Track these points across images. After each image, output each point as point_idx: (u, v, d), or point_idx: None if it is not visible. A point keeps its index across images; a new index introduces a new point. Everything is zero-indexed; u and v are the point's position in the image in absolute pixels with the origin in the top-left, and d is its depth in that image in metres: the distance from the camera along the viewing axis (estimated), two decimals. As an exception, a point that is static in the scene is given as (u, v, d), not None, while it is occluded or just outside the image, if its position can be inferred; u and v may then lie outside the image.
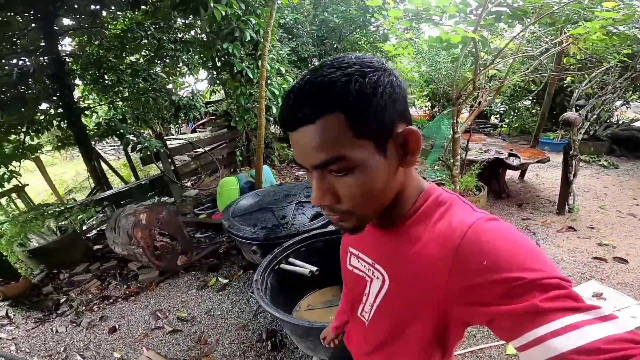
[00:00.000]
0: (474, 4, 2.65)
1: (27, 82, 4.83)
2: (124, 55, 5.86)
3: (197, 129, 9.91)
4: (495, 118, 8.29)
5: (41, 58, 5.02)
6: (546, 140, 6.54)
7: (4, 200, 5.01)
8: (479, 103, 3.38)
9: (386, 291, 0.64)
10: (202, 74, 7.17)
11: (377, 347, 0.70)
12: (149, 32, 5.27)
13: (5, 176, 3.88)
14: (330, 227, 2.58)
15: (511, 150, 4.49)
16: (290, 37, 7.68)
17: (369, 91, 0.48)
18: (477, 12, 2.63)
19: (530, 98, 7.07)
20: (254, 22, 3.91)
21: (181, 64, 6.19)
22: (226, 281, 3.34)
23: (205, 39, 6.03)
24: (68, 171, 6.61)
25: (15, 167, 4.54)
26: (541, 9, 2.48)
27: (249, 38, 3.90)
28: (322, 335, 1.19)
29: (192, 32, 6.21)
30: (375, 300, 0.67)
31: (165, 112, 5.64)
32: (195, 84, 8.04)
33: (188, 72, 6.80)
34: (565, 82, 5.70)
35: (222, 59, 4.45)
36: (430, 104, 8.34)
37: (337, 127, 0.48)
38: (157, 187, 5.04)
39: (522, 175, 5.24)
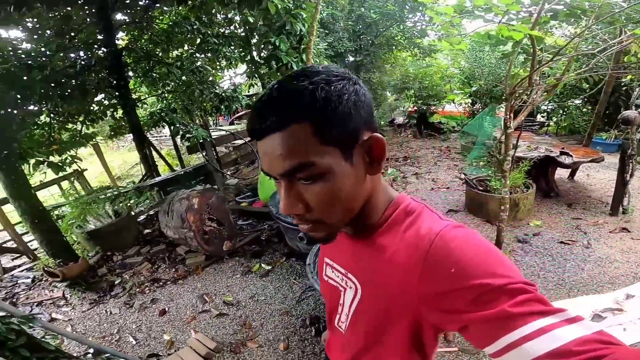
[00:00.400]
0: (526, 2, 2.58)
1: (87, 74, 5.14)
2: (169, 49, 6.12)
3: (235, 122, 10.18)
4: (542, 116, 7.94)
5: (98, 51, 5.34)
6: (598, 140, 6.18)
7: (65, 184, 5.39)
8: (527, 101, 3.27)
9: (359, 300, 0.65)
10: (240, 67, 7.39)
11: (355, 356, 0.71)
12: (194, 27, 5.46)
13: (67, 160, 4.19)
14: None
15: (562, 148, 4.29)
16: (326, 32, 7.72)
17: (335, 99, 0.49)
18: (532, 9, 2.56)
19: (582, 97, 6.71)
20: (304, 15, 3.96)
21: (222, 58, 6.38)
22: (269, 267, 3.42)
23: (243, 34, 6.24)
24: (115, 160, 7.05)
25: (75, 152, 4.87)
26: (600, 8, 2.36)
27: (298, 31, 3.96)
28: (324, 337, 1.17)
29: (232, 27, 6.41)
30: (350, 309, 0.68)
31: (210, 103, 5.84)
32: (235, 77, 8.25)
33: (228, 65, 7.00)
34: (623, 81, 5.36)
35: (268, 52, 4.53)
36: (470, 101, 8.10)
37: (303, 134, 0.48)
38: (200, 175, 5.26)
39: (572, 174, 4.99)
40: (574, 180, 4.94)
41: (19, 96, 3.95)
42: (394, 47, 9.51)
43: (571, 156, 4.11)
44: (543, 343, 0.39)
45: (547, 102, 7.29)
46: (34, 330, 2.11)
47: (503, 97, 6.88)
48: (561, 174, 4.97)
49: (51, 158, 4.18)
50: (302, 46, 4.52)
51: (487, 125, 5.73)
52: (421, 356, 0.62)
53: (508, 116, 3.04)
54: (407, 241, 0.56)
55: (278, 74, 4.85)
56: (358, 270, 0.66)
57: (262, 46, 4.78)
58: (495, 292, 0.44)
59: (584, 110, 7.13)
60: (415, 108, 9.37)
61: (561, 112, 7.38)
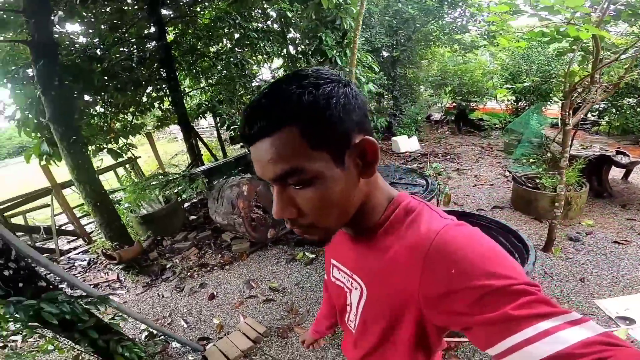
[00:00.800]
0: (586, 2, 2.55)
1: (140, 67, 5.40)
2: (210, 43, 6.32)
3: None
4: (593, 115, 7.53)
5: (150, 45, 5.60)
6: (655, 141, 5.80)
7: (120, 171, 5.72)
8: (585, 99, 3.17)
9: (365, 300, 0.65)
10: (276, 62, 7.54)
11: (367, 354, 0.71)
12: (236, 21, 5.60)
13: (123, 148, 4.45)
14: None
15: (618, 147, 4.10)
16: (363, 27, 7.69)
17: (322, 103, 0.48)
18: (593, 8, 2.51)
19: (637, 96, 6.30)
20: (354, 10, 4.00)
21: (260, 53, 6.51)
22: (313, 256, 3.48)
23: (279, 29, 6.37)
24: (158, 149, 7.43)
25: (131, 141, 5.17)
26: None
27: (346, 26, 4.01)
28: (301, 339, 1.20)
29: (268, 22, 6.56)
30: (358, 309, 0.69)
31: (251, 96, 6.00)
32: (272, 71, 8.39)
33: (265, 60, 7.13)
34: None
35: (313, 46, 4.60)
36: (514, 98, 7.82)
37: (291, 139, 0.48)
38: (240, 165, 5.40)
39: (626, 175, 4.77)
40: (628, 181, 4.71)
41: (81, 86, 4.23)
42: (432, 43, 9.34)
43: (628, 156, 3.96)
44: (546, 346, 0.39)
45: (600, 100, 6.93)
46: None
47: (553, 95, 6.63)
48: (614, 174, 4.75)
49: (109, 146, 4.44)
50: (345, 41, 4.56)
51: (533, 123, 5.53)
52: (427, 354, 0.63)
53: (567, 113, 2.99)
54: (407, 241, 0.55)
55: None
56: (362, 271, 0.66)
57: (308, 41, 4.84)
58: (497, 294, 0.43)
59: (639, 109, 6.71)
60: (454, 104, 9.14)
61: (614, 111, 6.98)
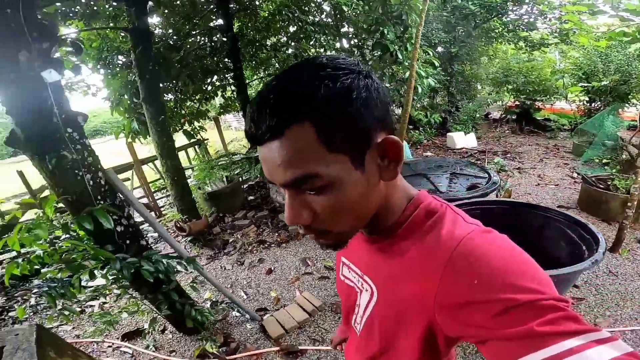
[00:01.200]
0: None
1: (210, 57, 5.83)
2: (268, 36, 6.59)
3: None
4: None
5: (219, 36, 5.98)
6: None
7: (190, 152, 6.27)
8: None
9: (375, 303, 0.61)
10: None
11: (369, 359, 0.68)
12: (295, 15, 5.80)
13: (195, 130, 4.87)
14: (490, 197, 2.58)
15: None
16: (420, 22, 7.61)
17: (341, 98, 0.42)
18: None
19: None
20: (420, 6, 4.03)
21: (315, 46, 6.68)
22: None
23: (332, 23, 6.50)
24: (214, 136, 7.87)
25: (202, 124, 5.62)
26: None
27: (409, 21, 4.07)
28: (331, 338, 1.16)
29: (322, 16, 6.71)
30: (365, 312, 0.65)
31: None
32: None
33: (319, 52, 7.30)
34: None
35: (374, 40, 4.69)
36: (587, 99, 7.25)
37: (305, 140, 0.42)
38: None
39: None
40: None
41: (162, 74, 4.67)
42: (493, 40, 8.95)
43: None
44: None
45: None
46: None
47: (632, 97, 6.08)
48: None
49: (184, 127, 4.87)
50: (406, 35, 4.59)
51: (608, 125, 5.15)
52: None
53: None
54: (427, 246, 0.51)
55: (382, 64, 5.02)
56: (374, 273, 0.62)
57: (367, 35, 4.94)
58: (523, 309, 0.40)
59: None
60: (517, 103, 8.69)
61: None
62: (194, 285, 2.41)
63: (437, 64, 5.29)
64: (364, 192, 0.48)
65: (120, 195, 1.86)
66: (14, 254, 3.53)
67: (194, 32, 5.75)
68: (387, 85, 4.91)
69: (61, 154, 1.49)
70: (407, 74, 4.43)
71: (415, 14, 4.25)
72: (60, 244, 1.71)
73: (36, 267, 1.59)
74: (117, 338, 2.69)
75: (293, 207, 0.48)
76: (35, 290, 3.40)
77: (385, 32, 4.31)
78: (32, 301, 3.31)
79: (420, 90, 4.69)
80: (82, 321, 3.00)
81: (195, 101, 6.29)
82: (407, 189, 0.58)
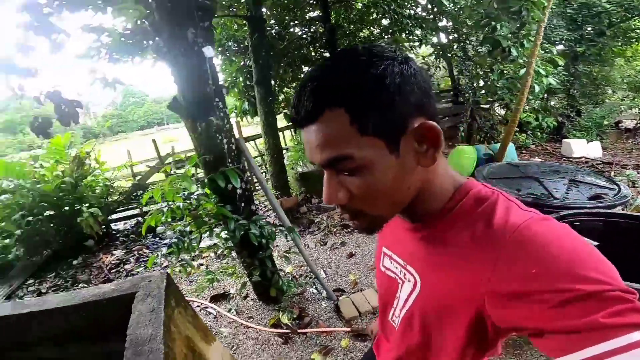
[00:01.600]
0: None
1: (311, 47, 6.10)
2: (361, 28, 6.57)
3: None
4: None
5: (318, 27, 6.16)
6: None
7: (287, 133, 6.76)
8: None
9: (417, 294, 0.60)
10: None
11: (406, 354, 0.65)
12: (390, 7, 5.67)
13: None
14: (616, 209, 2.28)
15: None
16: (536, 19, 6.87)
17: (374, 83, 0.44)
18: None
19: None
20: (545, 4, 3.71)
21: (411, 39, 6.45)
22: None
23: (428, 16, 6.16)
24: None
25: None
26: None
27: (537, 17, 3.75)
28: (370, 329, 1.10)
29: (418, 9, 6.41)
30: (406, 303, 0.63)
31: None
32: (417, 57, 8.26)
33: (414, 46, 7.03)
34: None
35: (484, 34, 4.42)
36: None
37: (339, 124, 0.45)
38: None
39: None
40: None
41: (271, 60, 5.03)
42: (634, 40, 7.81)
43: None
44: (631, 358, 0.34)
45: None
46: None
47: None
48: None
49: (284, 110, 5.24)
50: (523, 32, 4.22)
51: None
52: (477, 356, 0.57)
53: None
54: (478, 233, 0.49)
55: (493, 60, 4.70)
56: (418, 263, 0.60)
57: (476, 30, 4.64)
58: (586, 300, 0.38)
59: None
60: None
61: None
62: (287, 255, 2.58)
63: (561, 62, 4.75)
64: (398, 175, 0.49)
65: (244, 161, 2.12)
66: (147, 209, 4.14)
67: (294, 23, 6.03)
68: (496, 83, 4.54)
69: (209, 119, 1.77)
70: (522, 71, 4.07)
71: (539, 9, 3.89)
72: (191, 201, 2.00)
73: (168, 219, 1.87)
74: (206, 299, 2.92)
75: (330, 187, 0.51)
76: (166, 241, 3.99)
77: (498, 27, 4.04)
78: (164, 250, 3.83)
79: (537, 89, 4.27)
80: (180, 280, 3.31)
81: (292, 88, 6.66)
82: (454, 176, 0.57)
